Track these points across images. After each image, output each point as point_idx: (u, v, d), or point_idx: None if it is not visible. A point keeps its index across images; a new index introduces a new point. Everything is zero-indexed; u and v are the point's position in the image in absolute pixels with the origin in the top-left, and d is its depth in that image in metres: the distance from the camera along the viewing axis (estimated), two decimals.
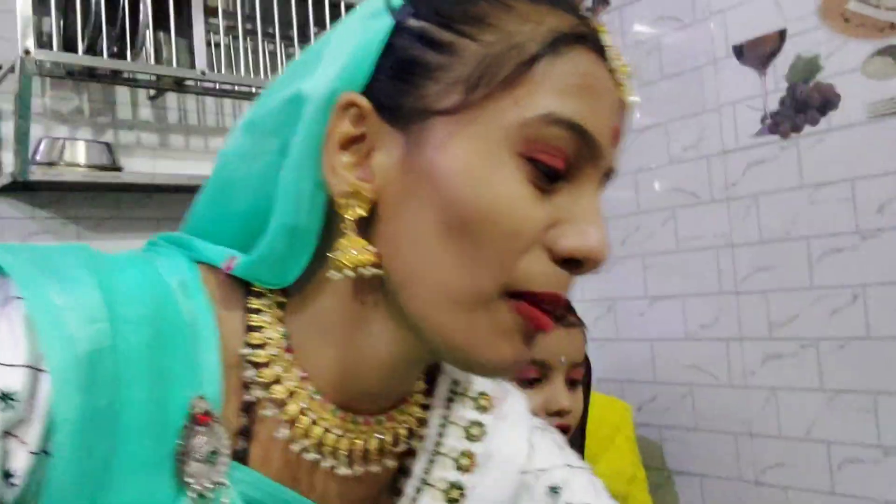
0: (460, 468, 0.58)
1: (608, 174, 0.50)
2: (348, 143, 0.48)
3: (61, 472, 0.43)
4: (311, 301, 0.52)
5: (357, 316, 0.51)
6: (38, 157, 1.55)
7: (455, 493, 0.58)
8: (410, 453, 0.58)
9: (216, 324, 0.50)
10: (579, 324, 1.07)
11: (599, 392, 1.87)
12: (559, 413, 1.01)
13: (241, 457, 0.50)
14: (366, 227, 0.49)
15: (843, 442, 1.63)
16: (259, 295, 0.53)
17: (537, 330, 0.47)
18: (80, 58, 1.51)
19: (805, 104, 1.63)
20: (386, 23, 0.49)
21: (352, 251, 0.47)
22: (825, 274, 1.64)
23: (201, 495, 0.47)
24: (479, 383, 0.63)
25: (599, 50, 0.48)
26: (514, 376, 0.55)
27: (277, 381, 0.51)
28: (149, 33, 1.63)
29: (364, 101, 0.48)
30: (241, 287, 0.53)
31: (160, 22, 1.65)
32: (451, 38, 0.47)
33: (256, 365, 0.51)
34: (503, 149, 0.46)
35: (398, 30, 0.48)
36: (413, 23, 0.48)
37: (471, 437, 0.60)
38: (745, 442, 1.80)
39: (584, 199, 0.47)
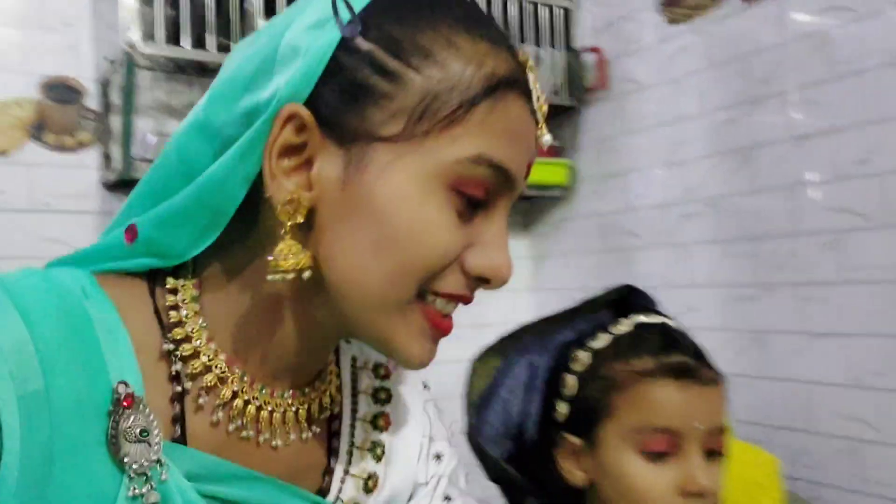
0: (378, 428, 0.67)
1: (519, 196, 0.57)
2: (289, 151, 0.52)
3: (9, 461, 0.46)
4: (232, 294, 0.57)
5: (277, 307, 0.56)
6: (145, 153, 1.55)
7: (378, 451, 0.66)
8: (333, 419, 0.65)
9: (121, 319, 0.53)
10: (718, 379, 0.83)
11: (739, 438, 1.62)
12: (700, 494, 0.79)
13: (178, 441, 0.54)
14: (299, 231, 0.53)
15: None
16: (173, 292, 0.57)
17: (443, 333, 0.55)
18: (185, 51, 1.48)
19: None
20: (333, 37, 0.51)
21: (290, 256, 0.52)
22: None
23: (140, 474, 0.50)
24: (374, 356, 0.71)
25: (528, 93, 0.54)
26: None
27: (207, 369, 0.55)
28: (260, 23, 1.58)
29: (307, 114, 0.52)
30: (145, 285, 0.57)
31: (271, 12, 1.61)
32: (397, 68, 0.51)
33: (184, 359, 0.55)
34: (436, 180, 0.51)
35: (345, 46, 0.51)
36: (362, 43, 0.52)
37: (379, 402, 0.68)
38: None
39: (495, 226, 0.54)
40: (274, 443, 0.58)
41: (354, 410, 0.67)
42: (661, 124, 2.02)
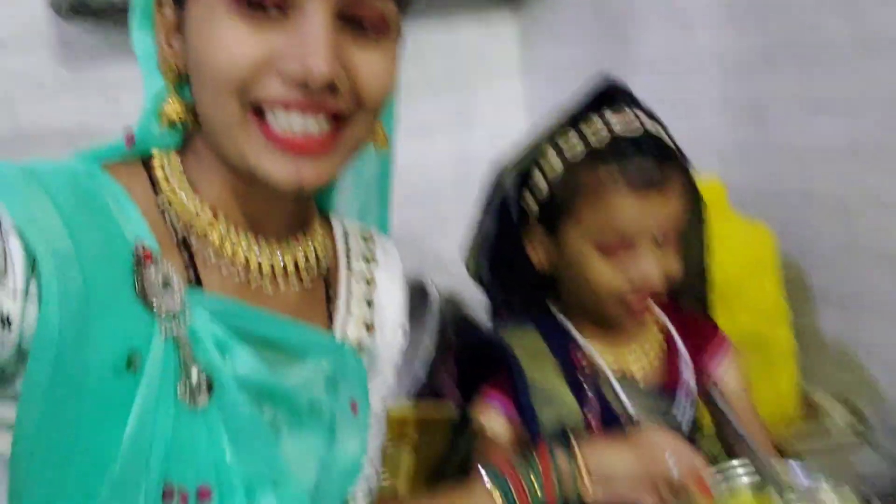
0: (368, 283, 0.78)
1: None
2: (170, 29, 0.63)
3: (48, 308, 0.52)
4: (203, 158, 0.66)
5: (216, 161, 0.65)
6: None
7: (370, 303, 0.78)
8: (328, 275, 0.75)
9: (125, 189, 0.62)
10: (680, 180, 0.92)
11: (736, 209, 1.66)
12: (647, 286, 0.92)
13: (195, 284, 0.62)
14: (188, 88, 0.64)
15: None
16: (159, 164, 0.66)
17: (286, 151, 0.59)
18: None
19: None
20: None
21: (171, 111, 0.64)
22: None
23: (171, 316, 0.58)
24: (359, 225, 0.82)
25: None
26: (300, 193, 0.64)
27: (195, 218, 0.64)
28: None
29: None
30: (139, 162, 0.66)
31: None
32: None
33: (176, 209, 0.64)
34: (215, 3, 0.57)
35: None
36: None
37: (367, 261, 0.80)
38: None
39: (308, 26, 0.57)
40: (278, 289, 0.67)
41: (349, 267, 0.77)
42: None
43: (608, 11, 2.08)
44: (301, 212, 0.71)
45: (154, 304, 0.58)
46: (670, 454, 0.79)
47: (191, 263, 0.63)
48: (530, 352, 0.95)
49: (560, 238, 0.93)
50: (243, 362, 0.60)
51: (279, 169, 0.59)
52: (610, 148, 0.89)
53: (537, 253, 0.98)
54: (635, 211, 0.87)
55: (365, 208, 0.85)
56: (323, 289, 0.73)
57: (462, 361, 1.08)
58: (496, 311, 1.09)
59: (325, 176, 0.62)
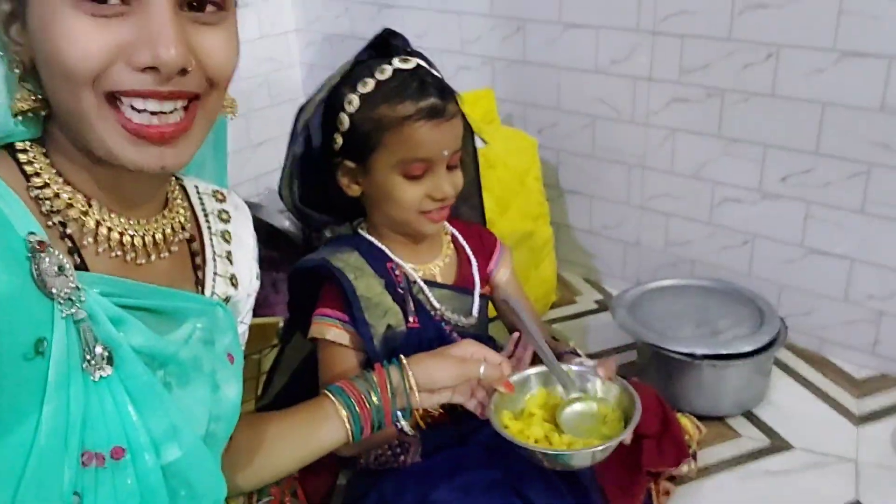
0: (226, 240, 0.82)
1: None
2: (8, 21, 0.62)
3: None
4: (58, 147, 0.67)
5: (78, 149, 0.66)
6: None
7: (231, 258, 0.82)
8: (193, 240, 0.78)
9: (4, 183, 0.63)
10: (459, 112, 1.07)
11: (501, 116, 1.89)
12: (443, 199, 1.07)
13: (82, 268, 0.65)
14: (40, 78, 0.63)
15: (726, 183, 1.77)
16: (24, 152, 0.66)
17: (144, 139, 0.61)
18: None
19: None
20: None
21: (22, 101, 0.64)
22: (745, 28, 1.61)
23: (68, 299, 0.61)
24: (208, 184, 0.85)
25: None
26: (163, 176, 0.72)
27: (69, 206, 0.66)
28: None
29: None
30: (8, 154, 0.66)
31: None
32: None
33: (49, 200, 0.65)
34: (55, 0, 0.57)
35: None
36: None
37: (223, 220, 0.83)
38: (637, 173, 1.92)
39: (153, 16, 0.58)
40: (150, 260, 0.72)
41: (209, 227, 0.81)
42: None
43: None
44: (164, 187, 0.75)
45: (52, 291, 0.61)
46: (482, 361, 0.95)
47: (74, 248, 0.66)
48: (355, 270, 1.07)
49: (368, 167, 1.06)
50: (136, 333, 0.66)
51: (142, 157, 0.62)
52: (402, 86, 1.03)
53: (346, 182, 1.09)
54: (432, 138, 1.02)
55: (201, 164, 0.87)
56: (188, 253, 0.78)
57: (293, 286, 1.19)
58: (310, 238, 1.22)
59: (186, 157, 0.66)
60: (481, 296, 1.17)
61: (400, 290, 1.09)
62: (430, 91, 1.03)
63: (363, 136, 1.04)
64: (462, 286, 1.16)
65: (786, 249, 1.74)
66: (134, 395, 0.65)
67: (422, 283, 1.11)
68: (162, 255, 0.73)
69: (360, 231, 1.15)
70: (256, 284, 0.87)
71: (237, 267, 0.83)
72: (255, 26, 2.36)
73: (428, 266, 1.14)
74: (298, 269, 1.12)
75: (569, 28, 1.88)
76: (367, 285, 1.06)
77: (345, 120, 1.05)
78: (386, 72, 1.04)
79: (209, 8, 0.62)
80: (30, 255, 0.61)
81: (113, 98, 0.60)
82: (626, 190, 1.96)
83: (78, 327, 0.62)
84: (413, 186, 1.04)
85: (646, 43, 1.77)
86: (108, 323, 0.64)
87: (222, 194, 0.86)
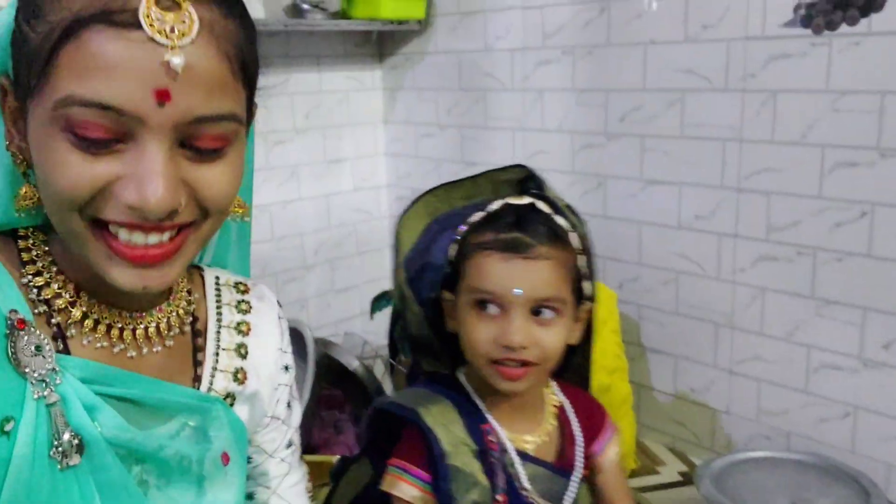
0: (241, 332, 0.79)
1: (200, 120, 0.58)
2: (16, 116, 0.62)
3: None
4: (58, 238, 0.66)
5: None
6: None
7: (243, 350, 0.78)
8: (198, 334, 0.75)
9: (1, 264, 0.64)
10: (550, 256, 0.95)
11: None
12: (512, 347, 0.92)
13: (65, 353, 0.64)
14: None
15: (823, 348, 1.64)
16: (25, 238, 0.67)
17: (129, 261, 0.60)
18: None
19: (846, 1, 1.46)
20: (13, 12, 0.59)
21: (24, 199, 0.64)
22: (835, 185, 1.56)
23: (40, 380, 0.60)
24: (233, 276, 0.83)
25: (127, 22, 0.54)
26: (156, 293, 0.68)
27: (57, 295, 0.65)
28: None
29: (6, 82, 0.62)
30: (11, 240, 0.67)
31: None
32: (25, 30, 0.57)
33: (39, 288, 0.65)
34: (50, 126, 0.56)
35: (19, 18, 0.58)
36: (19, 14, 0.58)
37: (241, 311, 0.80)
38: (725, 333, 1.81)
39: (145, 158, 0.56)
40: (142, 353, 0.69)
41: (219, 319, 0.78)
42: None
43: (468, 72, 2.23)
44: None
45: (26, 369, 0.59)
46: None
47: (59, 333, 0.64)
48: (447, 426, 0.95)
49: (457, 299, 0.97)
50: (110, 424, 0.63)
51: (124, 277, 0.60)
52: (497, 217, 0.97)
53: (446, 314, 1.01)
54: (500, 272, 0.93)
55: (221, 265, 0.86)
56: (190, 346, 0.75)
57: (372, 422, 1.07)
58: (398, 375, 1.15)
59: (170, 279, 0.63)
60: (580, 482, 1.02)
61: (492, 460, 0.96)
62: (521, 226, 0.94)
63: (456, 265, 0.99)
64: (560, 466, 1.01)
65: (894, 425, 1.57)
66: (103, 489, 0.62)
67: (515, 457, 0.97)
68: (155, 349, 0.70)
69: (460, 376, 1.03)
70: (287, 377, 0.84)
71: (252, 361, 0.78)
72: (349, 179, 2.47)
73: (525, 437, 1.00)
74: (383, 411, 1.02)
75: (650, 184, 1.87)
76: (458, 450, 0.94)
77: (452, 250, 1.00)
78: (496, 204, 0.99)
79: (210, 146, 0.60)
80: (7, 332, 0.60)
81: (100, 222, 0.59)
82: (712, 351, 1.85)
83: (49, 411, 0.60)
84: (483, 325, 0.93)
85: (731, 199, 1.73)
86: (80, 409, 0.61)
87: (245, 286, 0.83)
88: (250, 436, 0.80)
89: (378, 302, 2.01)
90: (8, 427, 0.58)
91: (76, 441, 0.61)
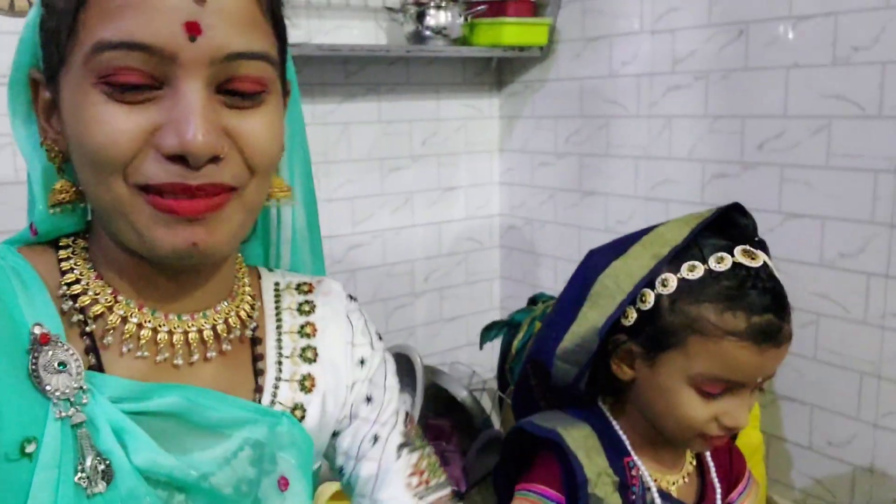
0: (305, 335, 0.73)
1: (233, 57, 0.55)
2: (48, 109, 0.60)
3: None
4: (97, 241, 0.64)
5: (115, 241, 0.62)
6: None
7: (309, 354, 0.72)
8: (258, 341, 0.70)
9: (36, 273, 0.61)
10: (790, 336, 0.87)
11: None
12: (733, 429, 0.86)
13: (97, 368, 0.60)
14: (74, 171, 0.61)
15: None
16: (66, 247, 0.65)
17: (174, 214, 0.56)
18: None
19: None
20: (38, 5, 0.59)
21: (61, 192, 0.61)
22: None
23: (64, 399, 0.56)
24: (297, 278, 0.78)
25: None
26: (197, 258, 0.60)
27: (94, 301, 0.61)
28: None
29: (37, 73, 0.60)
30: (52, 249, 0.65)
31: None
32: (51, 1, 0.56)
33: (74, 296, 0.61)
34: (84, 81, 0.54)
35: (42, 5, 0.58)
36: None
37: (304, 313, 0.75)
38: (871, 382, 1.65)
39: (182, 100, 0.54)
40: (192, 360, 0.63)
41: (279, 326, 0.73)
42: None
43: (590, 99, 2.16)
44: (219, 282, 0.67)
45: (47, 388, 0.55)
46: None
47: (92, 348, 0.60)
48: (587, 453, 0.89)
49: (655, 361, 0.87)
50: (142, 450, 0.58)
51: (171, 235, 0.57)
52: (737, 289, 0.83)
53: (619, 363, 0.90)
54: (752, 363, 0.83)
55: (298, 261, 0.82)
56: (249, 353, 0.69)
57: (507, 445, 1.00)
58: (525, 400, 1.03)
59: (221, 238, 0.59)
60: None
61: (632, 497, 0.90)
62: (770, 305, 0.83)
63: (666, 328, 0.85)
64: None
65: None
66: None
67: (657, 496, 0.90)
68: (209, 355, 0.64)
69: (602, 406, 0.96)
70: (363, 371, 0.76)
71: (321, 364, 0.72)
72: (462, 208, 2.43)
73: (666, 477, 0.94)
74: (522, 431, 0.95)
75: (790, 217, 1.74)
76: (599, 480, 0.88)
77: (650, 298, 0.86)
78: (724, 262, 0.84)
79: (247, 88, 0.58)
80: (30, 347, 0.56)
81: (144, 189, 0.57)
82: (855, 402, 1.68)
83: (75, 433, 0.56)
84: (704, 406, 0.85)
85: (882, 236, 1.58)
86: (108, 433, 0.57)
87: (310, 285, 0.77)
88: (322, 447, 0.75)
89: (489, 332, 1.94)
90: (29, 448, 0.54)
91: (102, 467, 0.56)
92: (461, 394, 1.82)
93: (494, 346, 1.85)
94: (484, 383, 2.19)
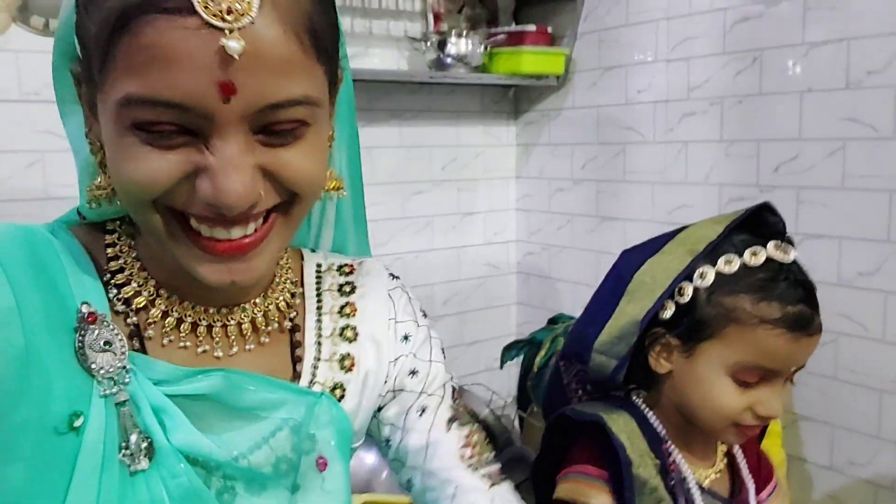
0: (345, 315, 0.73)
1: (271, 108, 0.53)
2: (92, 101, 0.57)
3: None
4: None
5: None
6: None
7: (349, 333, 0.72)
8: (296, 329, 0.70)
9: (86, 252, 0.62)
10: (821, 327, 0.89)
11: None
12: (767, 418, 0.89)
13: (140, 351, 0.61)
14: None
15: None
16: (112, 232, 0.65)
17: (219, 254, 0.56)
18: None
19: None
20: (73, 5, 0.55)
21: (98, 189, 0.60)
22: None
23: (108, 378, 0.57)
24: (339, 259, 0.78)
25: (179, 7, 0.48)
26: (247, 286, 0.63)
27: (137, 293, 0.62)
28: None
29: (78, 69, 0.58)
30: (100, 232, 0.65)
31: None
32: (83, 17, 0.53)
33: (118, 285, 0.62)
34: (119, 124, 0.52)
35: (76, 11, 0.55)
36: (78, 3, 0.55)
37: (344, 293, 0.75)
38: (892, 401, 1.66)
39: (218, 151, 0.52)
40: (231, 352, 0.64)
41: (319, 307, 0.73)
42: (667, 17, 2.00)
43: (606, 126, 2.21)
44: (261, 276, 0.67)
45: (92, 365, 0.56)
46: None
47: (136, 333, 0.61)
48: (628, 437, 0.91)
49: (693, 351, 0.90)
50: (180, 431, 0.59)
51: (209, 272, 0.57)
52: (771, 280, 0.87)
53: (657, 356, 0.93)
54: (787, 351, 0.86)
55: (341, 246, 0.82)
56: (289, 341, 0.69)
57: (548, 435, 1.01)
58: (558, 399, 1.04)
59: (259, 272, 0.58)
60: None
61: (672, 482, 0.91)
62: (802, 296, 0.87)
63: (703, 319, 0.88)
64: (733, 501, 0.98)
65: None
66: (175, 498, 0.58)
67: (693, 486, 0.92)
68: (248, 347, 0.65)
69: (635, 399, 0.98)
70: (407, 346, 0.76)
71: (361, 342, 0.72)
72: (480, 233, 2.47)
73: (699, 471, 0.96)
74: (564, 418, 0.96)
75: (807, 238, 1.77)
76: (643, 461, 0.90)
77: (688, 291, 0.90)
78: (759, 255, 0.88)
79: (285, 128, 0.55)
80: (77, 325, 0.57)
81: (179, 214, 0.56)
82: (876, 421, 1.69)
83: (118, 411, 0.57)
84: (740, 395, 0.88)
85: None
86: (149, 412, 0.58)
87: (351, 266, 0.77)
88: (362, 426, 0.75)
89: (509, 351, 1.97)
90: (77, 423, 0.55)
91: (145, 444, 0.57)
92: (483, 411, 1.84)
93: (512, 372, 1.87)
94: (503, 406, 2.20)
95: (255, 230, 0.57)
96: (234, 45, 0.48)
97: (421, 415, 0.75)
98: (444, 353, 0.80)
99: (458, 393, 0.80)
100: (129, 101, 0.50)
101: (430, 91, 2.26)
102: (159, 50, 0.49)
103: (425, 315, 0.81)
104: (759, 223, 0.94)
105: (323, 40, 0.56)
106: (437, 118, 2.30)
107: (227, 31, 0.49)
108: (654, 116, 2.08)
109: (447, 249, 2.40)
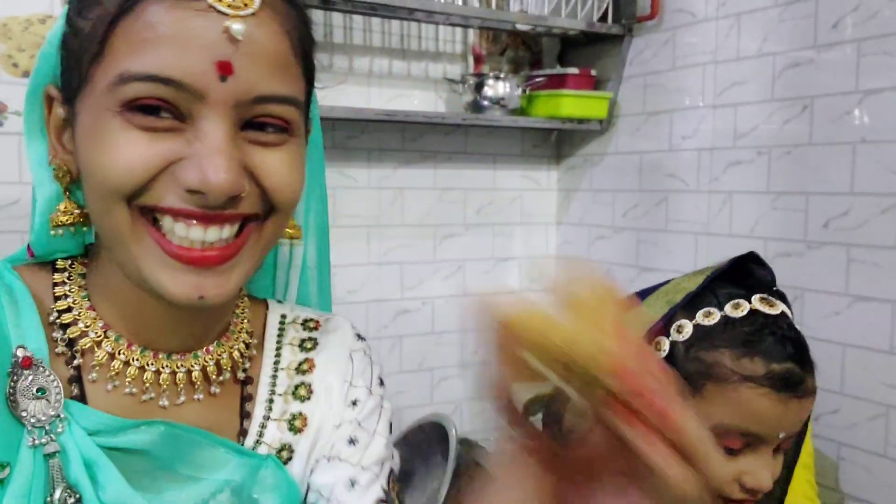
0: (301, 372, 0.70)
1: (261, 100, 0.55)
2: (60, 127, 0.59)
3: None
4: (101, 268, 0.62)
5: (113, 270, 0.60)
6: None
7: (303, 391, 0.70)
8: (248, 381, 0.67)
9: (30, 293, 0.60)
10: (814, 390, 0.83)
11: None
12: (755, 492, 0.81)
13: (79, 399, 0.58)
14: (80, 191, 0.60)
15: None
16: (62, 270, 0.63)
17: (181, 262, 0.54)
18: None
19: None
20: (63, 21, 0.57)
21: (64, 214, 0.59)
22: None
23: (38, 427, 0.54)
24: (306, 313, 0.75)
25: None
26: (203, 308, 0.58)
27: (83, 334, 0.60)
28: None
29: (54, 90, 0.59)
30: (48, 271, 0.63)
31: None
32: (77, 22, 0.55)
33: (64, 326, 0.60)
34: (106, 108, 0.53)
35: (66, 22, 0.56)
36: (69, 11, 0.56)
37: (305, 349, 0.72)
38: None
39: (207, 137, 0.53)
40: (178, 401, 0.61)
41: (277, 362, 0.70)
42: (714, 62, 1.90)
43: (650, 173, 2.12)
44: (217, 320, 0.66)
45: (23, 413, 0.54)
46: None
47: (77, 378, 0.59)
48: None
49: None
50: (111, 486, 0.55)
51: (178, 284, 0.55)
52: (755, 334, 0.81)
53: None
54: (773, 414, 0.79)
55: (305, 295, 0.80)
56: (239, 392, 0.67)
57: None
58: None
59: (230, 287, 0.57)
60: None
61: None
62: (790, 353, 0.81)
63: (682, 376, 0.81)
64: None
65: None
66: None
67: None
68: (196, 397, 0.63)
69: None
70: (353, 412, 0.71)
71: (314, 402, 0.69)
72: (516, 279, 2.40)
73: None
74: None
75: (857, 300, 1.63)
76: None
77: (664, 345, 0.84)
78: (741, 308, 0.83)
79: (271, 128, 0.57)
80: (11, 369, 0.55)
81: (150, 214, 0.55)
82: None
83: (47, 462, 0.54)
84: (723, 463, 0.81)
85: None
86: (80, 465, 0.55)
87: (316, 322, 0.75)
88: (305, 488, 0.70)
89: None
90: (2, 474, 0.53)
91: (71, 500, 0.54)
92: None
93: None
94: None
95: (229, 242, 0.56)
96: (238, 27, 0.52)
97: (350, 489, 0.69)
98: (391, 427, 0.75)
99: (395, 478, 0.73)
100: (123, 79, 0.52)
101: (465, 133, 2.21)
102: (163, 27, 0.51)
103: (382, 383, 0.76)
104: (746, 275, 0.86)
105: (308, 59, 0.61)
106: (474, 161, 2.25)
107: (230, 16, 0.52)
108: (698, 164, 1.98)
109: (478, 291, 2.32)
